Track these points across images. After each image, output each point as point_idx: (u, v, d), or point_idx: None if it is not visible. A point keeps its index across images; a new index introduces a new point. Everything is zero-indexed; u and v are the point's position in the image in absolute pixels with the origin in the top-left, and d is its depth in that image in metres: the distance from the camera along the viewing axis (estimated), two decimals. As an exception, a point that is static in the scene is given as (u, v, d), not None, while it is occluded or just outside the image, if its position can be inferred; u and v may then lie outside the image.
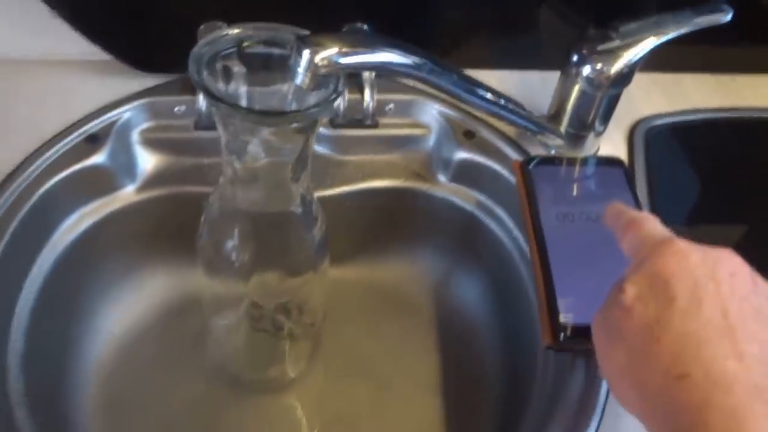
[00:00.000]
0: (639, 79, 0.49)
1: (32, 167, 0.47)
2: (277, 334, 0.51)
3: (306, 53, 0.35)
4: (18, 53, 0.54)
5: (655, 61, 0.48)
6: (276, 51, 0.39)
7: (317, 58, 0.35)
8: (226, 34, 0.38)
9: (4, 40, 0.54)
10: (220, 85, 0.39)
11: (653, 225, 0.32)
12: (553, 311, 0.40)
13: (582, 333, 0.39)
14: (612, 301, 0.30)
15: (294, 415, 0.53)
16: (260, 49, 0.39)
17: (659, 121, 0.58)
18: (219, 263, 0.45)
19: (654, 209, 0.52)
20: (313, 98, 0.38)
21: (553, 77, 0.51)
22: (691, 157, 0.59)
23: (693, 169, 0.58)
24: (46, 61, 0.54)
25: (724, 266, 0.29)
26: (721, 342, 0.26)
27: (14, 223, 0.45)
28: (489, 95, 0.45)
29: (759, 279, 0.29)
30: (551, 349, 0.40)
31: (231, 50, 0.38)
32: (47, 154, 0.48)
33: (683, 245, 0.29)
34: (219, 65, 0.38)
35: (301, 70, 0.36)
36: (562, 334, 0.39)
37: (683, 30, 0.47)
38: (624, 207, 0.35)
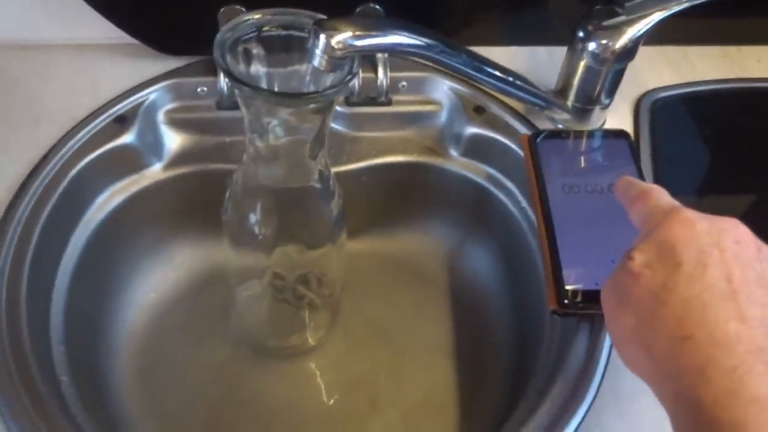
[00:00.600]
0: (645, 51, 0.50)
1: (65, 148, 0.49)
2: (297, 304, 0.54)
3: (323, 37, 0.37)
4: (50, 38, 0.57)
5: (660, 34, 0.49)
6: (294, 33, 0.41)
7: (333, 42, 0.37)
8: (247, 20, 0.40)
9: (37, 26, 0.56)
10: (242, 67, 0.41)
11: (661, 196, 0.34)
12: (557, 277, 0.42)
13: (585, 298, 0.41)
14: (621, 268, 0.32)
15: (314, 379, 0.56)
16: (278, 32, 0.41)
17: (665, 93, 0.59)
18: (243, 236, 0.48)
19: (658, 180, 0.53)
20: (329, 78, 0.40)
21: (561, 52, 0.53)
22: (697, 128, 0.60)
23: (699, 140, 0.59)
24: (76, 46, 0.57)
25: (730, 234, 0.30)
26: (724, 305, 0.28)
27: (50, 204, 0.47)
28: (497, 73, 0.47)
29: (763, 246, 0.30)
30: (556, 314, 0.42)
31: (252, 35, 0.40)
32: (78, 136, 0.50)
33: (690, 214, 0.31)
34: (240, 48, 0.40)
35: (318, 52, 0.38)
36: (566, 300, 0.41)
37: (687, 4, 0.48)
38: (633, 179, 0.36)
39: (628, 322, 0.31)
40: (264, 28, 0.40)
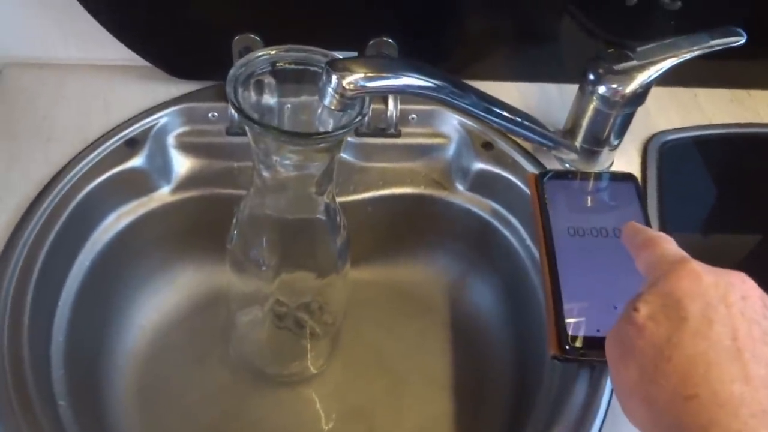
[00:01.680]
0: (655, 92, 0.50)
1: (75, 170, 0.50)
2: (299, 332, 0.54)
3: (334, 77, 0.38)
4: (65, 57, 0.58)
5: (670, 76, 0.49)
6: (307, 68, 0.41)
7: (345, 82, 0.38)
8: (261, 56, 0.40)
9: (52, 45, 0.57)
10: (253, 97, 0.41)
11: (668, 245, 0.33)
12: (559, 322, 0.42)
13: (587, 344, 0.41)
14: (626, 318, 0.31)
15: (313, 407, 0.56)
16: (291, 66, 0.42)
17: (673, 136, 0.59)
18: (247, 265, 0.48)
19: (664, 222, 0.53)
20: (340, 114, 0.40)
21: (571, 89, 0.53)
22: (705, 171, 0.60)
23: (707, 183, 0.59)
24: (90, 66, 0.58)
25: (736, 289, 0.29)
26: (729, 364, 0.27)
27: (58, 224, 0.47)
28: (506, 113, 0.47)
29: None
30: (556, 359, 0.41)
31: (265, 70, 0.40)
32: (89, 157, 0.51)
33: (697, 267, 0.30)
34: (252, 80, 0.41)
35: (330, 92, 0.38)
36: (567, 346, 0.41)
37: (698, 52, 0.49)
38: (640, 226, 0.36)
39: (631, 374, 0.30)
40: (277, 64, 0.41)
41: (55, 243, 0.47)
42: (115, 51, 0.55)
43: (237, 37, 0.53)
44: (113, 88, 0.56)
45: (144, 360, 0.55)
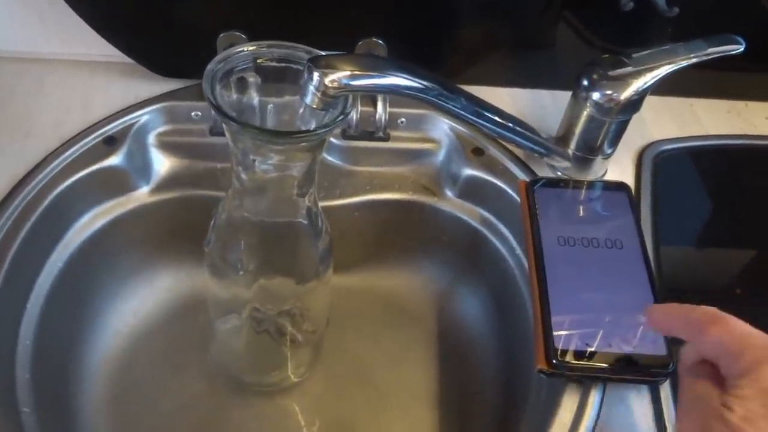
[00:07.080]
0: (651, 102, 0.49)
1: (50, 167, 0.48)
2: (279, 339, 0.53)
3: (316, 75, 0.36)
4: (47, 52, 0.56)
5: (667, 85, 0.48)
6: (291, 66, 0.40)
7: (327, 80, 0.36)
8: (241, 51, 0.39)
9: (36, 40, 0.56)
10: (234, 96, 0.40)
11: (743, 325, 0.28)
12: (547, 336, 0.40)
13: (575, 359, 0.40)
14: (715, 414, 0.27)
15: (294, 418, 0.54)
16: (274, 63, 0.40)
17: (669, 146, 0.58)
18: (225, 269, 0.46)
19: (658, 234, 0.52)
20: (324, 114, 0.39)
21: (565, 97, 0.52)
22: (700, 182, 0.59)
23: (701, 194, 0.58)
24: (74, 62, 0.56)
25: None
26: None
27: (31, 220, 0.46)
28: (497, 118, 0.46)
29: None
30: (543, 373, 0.40)
31: (246, 66, 0.39)
32: (66, 154, 0.49)
33: None
34: (233, 77, 0.39)
35: (311, 90, 0.37)
36: (554, 360, 0.39)
37: (694, 60, 0.48)
38: (677, 305, 0.31)
39: None
40: (258, 60, 0.39)
41: (26, 241, 0.45)
42: (97, 47, 0.53)
43: (222, 35, 0.51)
44: (95, 84, 0.55)
45: (117, 366, 0.53)
